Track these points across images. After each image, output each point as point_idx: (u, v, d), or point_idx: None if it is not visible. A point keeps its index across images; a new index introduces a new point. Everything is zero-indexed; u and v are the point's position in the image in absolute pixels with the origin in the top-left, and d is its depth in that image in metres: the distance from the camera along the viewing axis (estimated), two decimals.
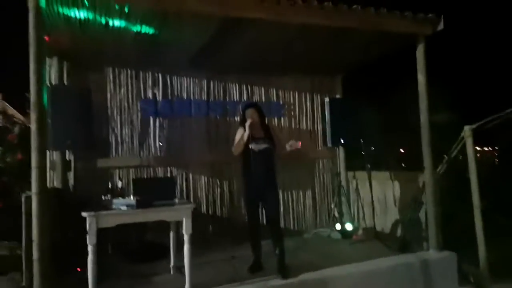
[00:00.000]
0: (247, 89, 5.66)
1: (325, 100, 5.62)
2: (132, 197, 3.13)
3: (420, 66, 4.46)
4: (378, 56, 5.33)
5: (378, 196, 5.38)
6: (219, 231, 5.22)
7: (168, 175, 5.10)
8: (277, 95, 5.83)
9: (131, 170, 4.96)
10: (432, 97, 4.50)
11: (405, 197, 4.99)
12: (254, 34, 4.16)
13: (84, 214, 2.99)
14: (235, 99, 5.58)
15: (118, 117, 4.99)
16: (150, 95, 5.13)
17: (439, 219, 4.37)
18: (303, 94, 5.97)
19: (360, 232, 5.30)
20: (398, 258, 4.17)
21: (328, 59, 5.26)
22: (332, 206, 5.85)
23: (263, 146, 3.89)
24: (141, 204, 3.10)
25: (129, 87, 5.05)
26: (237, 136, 3.95)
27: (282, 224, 3.91)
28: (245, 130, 3.88)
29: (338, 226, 5.39)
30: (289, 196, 5.78)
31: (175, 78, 5.27)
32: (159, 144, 4.98)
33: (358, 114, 5.59)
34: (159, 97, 5.17)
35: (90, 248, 3.00)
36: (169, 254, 3.96)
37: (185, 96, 5.32)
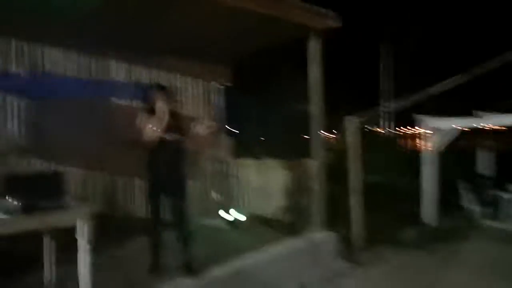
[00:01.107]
0: (129, 68, 5.05)
1: (218, 87, 5.45)
2: (9, 199, 2.42)
3: (314, 58, 4.63)
4: (271, 45, 5.32)
5: (261, 183, 5.53)
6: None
7: (33, 167, 4.20)
8: (168, 78, 5.37)
9: None
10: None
11: (289, 184, 5.25)
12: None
13: None
14: (117, 79, 4.92)
15: None
16: (13, 68, 4.08)
17: (323, 203, 4.74)
18: (192, 79, 5.65)
19: (244, 219, 5.37)
20: (294, 241, 4.36)
21: (220, 42, 5.01)
22: (215, 195, 5.77)
23: (173, 136, 3.51)
24: (26, 208, 2.43)
25: None
26: (140, 122, 3.45)
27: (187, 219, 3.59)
28: (150, 116, 3.44)
29: (223, 215, 5.36)
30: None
31: (45, 49, 4.32)
32: None
33: (248, 104, 5.63)
34: (23, 72, 4.16)
35: None
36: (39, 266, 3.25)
37: (57, 72, 4.42)
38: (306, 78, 4.69)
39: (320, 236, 4.58)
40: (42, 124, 4.28)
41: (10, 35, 4.07)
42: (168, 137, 3.45)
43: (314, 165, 4.70)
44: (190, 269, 3.42)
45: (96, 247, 3.61)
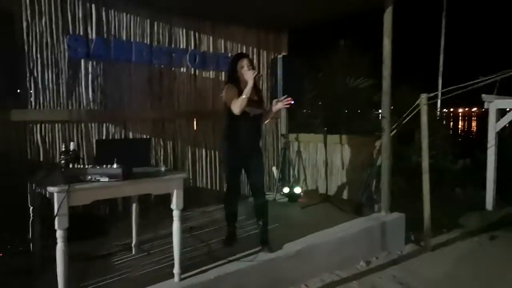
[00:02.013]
0: (194, 36, 4.92)
1: (278, 57, 5.24)
2: (113, 165, 2.37)
3: (387, 30, 4.39)
4: (336, 14, 5.07)
5: (323, 159, 5.39)
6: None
7: (104, 132, 4.20)
8: (225, 46, 5.22)
9: (56, 126, 3.91)
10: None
11: (354, 161, 5.09)
12: None
13: (50, 189, 2.16)
14: (182, 47, 4.81)
15: (39, 55, 3.81)
16: (81, 31, 4.03)
17: (390, 183, 4.57)
18: (250, 48, 5.48)
19: (302, 194, 5.27)
20: (362, 221, 4.24)
21: (277, 11, 4.77)
22: (274, 169, 5.68)
23: (257, 111, 3.40)
24: (127, 174, 2.39)
25: (53, 17, 3.87)
26: (228, 92, 3.32)
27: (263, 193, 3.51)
28: (237, 85, 3.32)
29: (285, 189, 5.27)
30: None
31: (112, 12, 4.23)
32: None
33: (306, 75, 5.42)
34: (93, 34, 4.10)
35: (59, 234, 2.21)
36: (129, 230, 3.28)
37: (124, 37, 4.34)
38: (369, 52, 4.45)
39: (388, 217, 4.43)
40: (115, 89, 4.24)
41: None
42: (252, 110, 3.33)
43: (383, 142, 4.51)
44: (267, 242, 3.36)
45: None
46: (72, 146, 2.75)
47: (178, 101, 4.80)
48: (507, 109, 6.58)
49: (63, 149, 2.65)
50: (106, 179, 2.33)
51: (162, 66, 4.63)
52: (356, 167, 5.07)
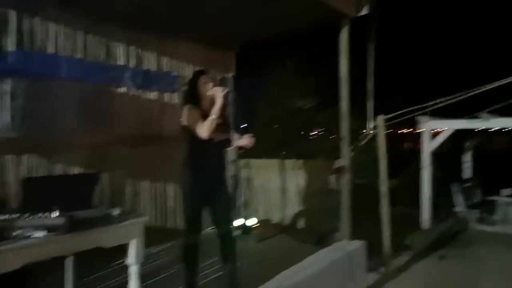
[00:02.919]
0: (136, 52, 4.35)
1: (228, 76, 4.90)
2: (52, 213, 1.76)
3: (343, 49, 4.24)
4: (286, 30, 4.83)
5: (277, 186, 5.08)
6: None
7: (25, 165, 3.42)
8: (171, 64, 4.72)
9: None
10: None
11: (310, 187, 4.84)
12: None
13: None
14: (121, 63, 4.21)
15: None
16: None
17: (350, 208, 4.38)
18: (197, 67, 5.02)
19: (257, 225, 4.88)
20: (328, 253, 3.95)
21: (227, 26, 4.42)
22: None
23: (223, 135, 2.95)
24: (72, 222, 1.80)
25: None
26: (189, 115, 2.84)
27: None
28: (198, 106, 2.86)
29: (237, 221, 4.82)
30: (175, 189, 4.82)
31: (37, 21, 3.54)
32: None
33: (259, 97, 5.13)
34: (12, 45, 3.36)
35: None
36: None
37: (51, 49, 3.65)
38: (324, 71, 4.30)
39: (351, 245, 4.20)
40: (39, 112, 3.50)
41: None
42: (217, 134, 2.88)
43: (342, 165, 4.32)
44: None
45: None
46: None
47: (118, 126, 4.16)
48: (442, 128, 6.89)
49: None
50: (43, 233, 1.71)
51: (98, 84, 3.99)
52: (312, 194, 4.82)
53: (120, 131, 4.14)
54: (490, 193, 7.17)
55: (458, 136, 7.23)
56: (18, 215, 1.77)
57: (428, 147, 6.93)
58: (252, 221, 4.75)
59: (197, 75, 3.01)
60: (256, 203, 5.08)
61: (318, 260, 3.74)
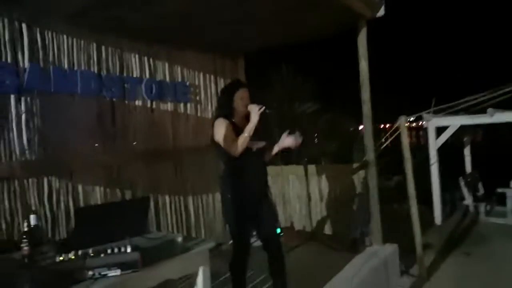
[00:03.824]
0: (149, 62, 4.15)
1: None
2: (126, 248, 1.57)
3: (362, 52, 4.16)
4: (302, 37, 4.74)
5: (298, 192, 4.94)
6: None
7: (46, 188, 3.18)
8: (182, 74, 4.53)
9: None
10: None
11: (333, 192, 4.71)
12: None
13: None
14: (135, 75, 4.00)
15: None
16: (8, 57, 3.03)
17: (379, 212, 4.27)
18: (207, 75, 4.86)
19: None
20: (365, 260, 3.82)
21: (238, 35, 4.27)
22: None
23: (260, 143, 2.79)
24: (147, 256, 1.61)
25: None
26: (222, 130, 2.67)
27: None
28: (230, 120, 2.70)
29: None
30: (199, 201, 4.62)
31: (49, 34, 3.30)
32: None
33: (275, 103, 5.00)
34: (25, 61, 3.12)
35: None
36: None
37: (65, 64, 3.41)
38: (340, 75, 4.20)
39: (385, 250, 4.09)
40: (56, 131, 3.25)
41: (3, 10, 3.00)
42: (254, 143, 2.73)
43: (370, 169, 4.22)
44: None
45: None
46: (33, 220, 1.86)
47: (134, 140, 3.95)
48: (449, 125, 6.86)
49: (25, 229, 1.75)
50: (117, 272, 1.52)
51: (114, 99, 3.77)
52: (336, 199, 4.69)
53: (138, 146, 3.93)
54: (495, 185, 7.20)
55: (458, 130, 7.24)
56: (84, 252, 1.56)
57: (433, 144, 6.92)
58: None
59: (235, 87, 2.83)
60: (279, 211, 4.91)
61: (356, 269, 3.61)
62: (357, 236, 4.29)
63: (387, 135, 4.52)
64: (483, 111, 6.14)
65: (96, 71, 3.61)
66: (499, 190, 7.04)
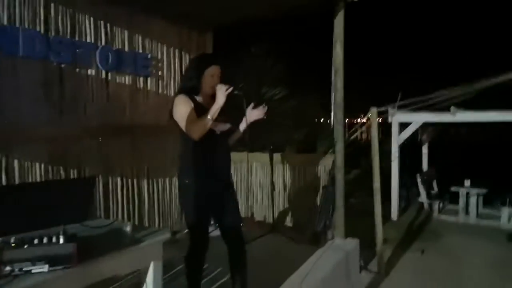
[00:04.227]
0: (106, 27, 3.71)
1: None
2: (58, 237, 1.25)
3: (338, 35, 3.92)
4: (270, 15, 4.43)
5: (261, 181, 4.71)
6: None
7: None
8: (143, 44, 4.13)
9: None
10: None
11: (298, 182, 4.53)
12: None
13: None
14: (89, 40, 3.56)
15: None
16: None
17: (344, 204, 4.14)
18: (171, 49, 4.47)
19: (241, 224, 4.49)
20: (330, 254, 3.66)
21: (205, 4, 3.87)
22: None
23: (225, 126, 2.51)
24: (83, 249, 1.30)
25: None
26: (183, 108, 2.37)
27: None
28: (194, 97, 2.40)
29: None
30: (154, 185, 4.28)
31: None
32: None
33: (240, 83, 4.69)
34: None
35: None
36: None
37: (4, 18, 2.93)
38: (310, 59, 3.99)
39: (347, 244, 3.97)
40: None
41: None
42: (219, 125, 2.45)
43: (337, 159, 4.04)
44: None
45: None
46: None
47: (86, 114, 3.53)
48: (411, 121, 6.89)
49: None
50: (45, 268, 1.20)
51: (63, 65, 3.33)
52: (300, 189, 4.51)
53: (89, 121, 3.52)
54: (450, 183, 7.37)
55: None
56: (3, 241, 1.23)
57: (396, 140, 6.94)
58: None
59: (207, 62, 2.52)
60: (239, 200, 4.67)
61: (321, 262, 3.44)
62: (320, 229, 4.14)
63: (355, 127, 4.38)
64: (447, 108, 6.21)
65: (42, 30, 3.15)
66: (453, 188, 7.20)
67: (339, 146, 4.01)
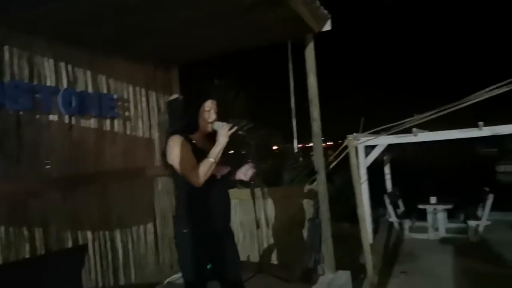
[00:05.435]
0: (67, 69, 3.40)
1: (178, 98, 4.19)
2: None
3: (311, 67, 3.90)
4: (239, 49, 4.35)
5: (241, 218, 4.48)
6: None
7: None
8: (108, 85, 3.84)
9: None
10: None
11: (281, 217, 4.34)
12: None
13: None
14: (49, 83, 3.23)
15: None
16: None
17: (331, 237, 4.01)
18: (137, 88, 4.21)
19: None
20: None
21: (172, 43, 3.78)
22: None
23: (224, 169, 2.29)
24: None
25: None
26: (179, 151, 2.14)
27: None
28: (189, 138, 2.18)
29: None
30: (128, 234, 3.90)
31: None
32: None
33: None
34: None
35: None
36: None
37: None
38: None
39: (338, 278, 3.81)
40: None
41: None
42: (219, 169, 2.24)
43: (320, 191, 3.93)
44: None
45: None
46: None
47: (47, 164, 3.16)
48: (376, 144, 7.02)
49: None
50: None
51: (21, 112, 2.97)
52: (284, 224, 4.32)
53: (52, 171, 3.15)
54: (415, 202, 7.53)
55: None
56: None
57: (363, 163, 7.01)
58: None
59: (203, 97, 2.31)
60: None
61: None
62: (311, 266, 3.95)
63: (335, 153, 4.32)
64: (408, 130, 6.38)
65: None
66: (420, 206, 7.34)
67: (321, 176, 3.91)
